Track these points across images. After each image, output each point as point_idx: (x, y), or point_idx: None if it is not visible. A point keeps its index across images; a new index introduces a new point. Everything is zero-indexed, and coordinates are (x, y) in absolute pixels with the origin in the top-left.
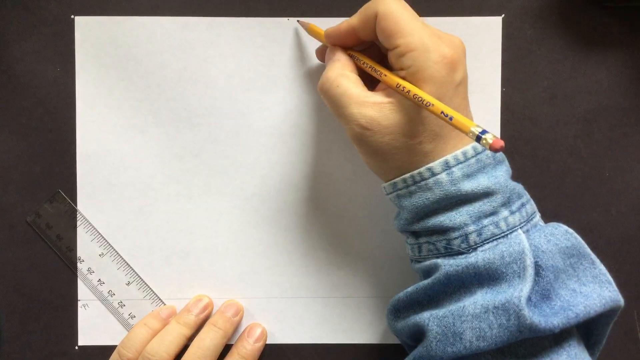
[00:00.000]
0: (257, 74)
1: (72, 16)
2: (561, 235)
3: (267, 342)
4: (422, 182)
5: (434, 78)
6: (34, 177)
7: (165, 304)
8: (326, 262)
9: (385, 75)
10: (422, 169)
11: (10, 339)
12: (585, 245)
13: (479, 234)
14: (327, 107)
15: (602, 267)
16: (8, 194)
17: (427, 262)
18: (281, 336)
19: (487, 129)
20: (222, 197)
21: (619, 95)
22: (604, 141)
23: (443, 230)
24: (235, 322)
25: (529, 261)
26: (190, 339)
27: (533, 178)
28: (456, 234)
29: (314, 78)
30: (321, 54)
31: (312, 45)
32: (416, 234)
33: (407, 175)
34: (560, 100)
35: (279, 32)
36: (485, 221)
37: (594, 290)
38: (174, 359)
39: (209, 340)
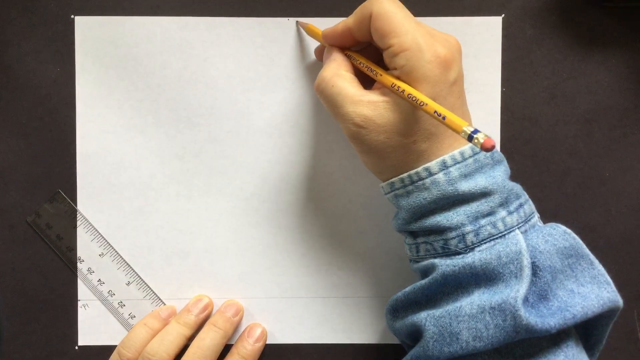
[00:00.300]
0: (257, 74)
1: (72, 16)
2: (559, 236)
3: (267, 342)
4: (420, 182)
5: (427, 77)
6: (34, 177)
7: (165, 304)
8: (326, 262)
9: (381, 75)
10: (419, 169)
11: (10, 339)
12: (584, 246)
13: (476, 234)
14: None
15: (600, 268)
16: (8, 194)
17: (425, 262)
18: (281, 336)
19: (479, 129)
20: (222, 197)
21: (619, 95)
22: (604, 141)
23: (440, 230)
24: (235, 322)
25: (526, 261)
26: (190, 339)
27: (533, 178)
28: (453, 234)
29: (314, 78)
30: (320, 53)
31: (313, 45)
32: (414, 234)
33: (405, 175)
34: (560, 100)
35: (279, 32)
36: (483, 221)
37: (592, 291)
38: (174, 359)
39: (209, 340)
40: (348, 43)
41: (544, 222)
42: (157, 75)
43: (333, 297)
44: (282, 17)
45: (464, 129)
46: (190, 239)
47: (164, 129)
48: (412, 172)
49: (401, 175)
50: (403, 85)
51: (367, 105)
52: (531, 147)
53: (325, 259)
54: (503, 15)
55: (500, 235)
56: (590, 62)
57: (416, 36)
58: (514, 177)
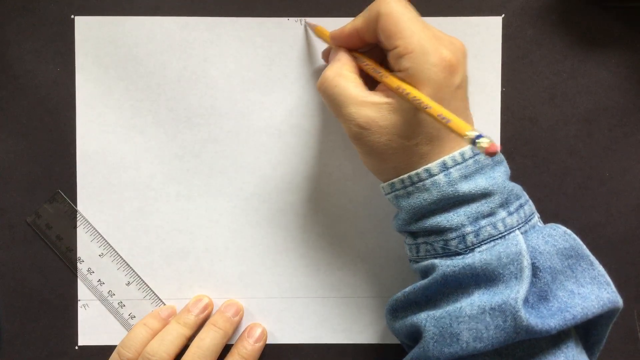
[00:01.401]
0: (257, 74)
1: (72, 16)
2: (559, 237)
3: (267, 342)
4: (420, 183)
5: (431, 81)
6: (34, 177)
7: (165, 304)
8: (326, 262)
9: (387, 77)
10: (419, 170)
11: (10, 339)
12: (584, 246)
13: (476, 235)
14: (326, 107)
15: (600, 269)
16: (8, 194)
17: (425, 263)
18: (281, 336)
19: (483, 134)
20: (222, 197)
21: (619, 95)
22: (604, 141)
23: (440, 231)
24: (235, 322)
25: (526, 262)
26: (190, 339)
27: (533, 178)
28: (453, 234)
29: (314, 78)
30: (327, 55)
31: (313, 45)
32: (414, 235)
33: (405, 175)
34: (560, 100)
35: (279, 32)
36: (483, 222)
37: (592, 291)
38: (173, 359)
39: (209, 340)
40: (355, 44)
41: (544, 222)
42: (157, 75)
43: (333, 297)
44: (282, 17)
45: (467, 133)
46: (190, 239)
47: (164, 129)
48: (413, 173)
49: (401, 176)
50: (408, 88)
51: (370, 106)
52: (531, 147)
53: (325, 259)
54: (503, 15)
55: (500, 236)
56: (590, 62)
57: (422, 38)
58: (514, 177)
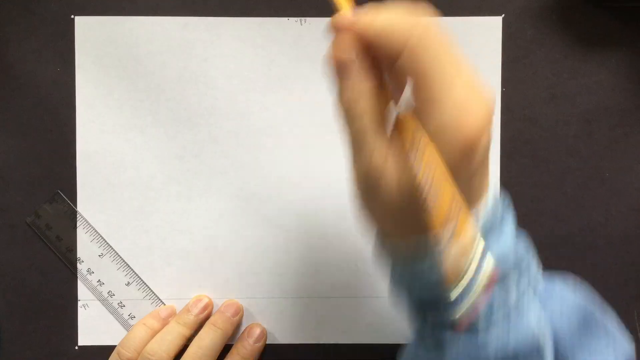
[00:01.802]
0: (257, 74)
1: (72, 16)
2: (572, 298)
3: (267, 342)
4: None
5: (447, 159)
6: (34, 177)
7: (165, 304)
8: (326, 262)
9: (403, 118)
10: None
11: (10, 339)
12: (597, 308)
13: (489, 311)
14: (326, 107)
15: (617, 333)
16: (8, 194)
17: (433, 335)
18: (281, 336)
19: (485, 259)
20: (222, 197)
21: (619, 95)
22: (604, 141)
23: (449, 305)
24: (235, 322)
25: (548, 350)
26: (190, 339)
27: (533, 178)
28: (463, 309)
29: (314, 78)
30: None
31: (313, 45)
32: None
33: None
34: (560, 100)
35: (279, 32)
36: (494, 296)
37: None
38: (173, 359)
39: (208, 340)
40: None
41: (544, 223)
42: (157, 75)
43: (333, 297)
44: (282, 17)
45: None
46: (190, 239)
47: (164, 129)
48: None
49: (403, 259)
50: (422, 155)
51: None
52: (531, 147)
53: (325, 259)
54: (503, 15)
55: (513, 306)
56: (590, 62)
57: (458, 94)
58: (514, 177)
